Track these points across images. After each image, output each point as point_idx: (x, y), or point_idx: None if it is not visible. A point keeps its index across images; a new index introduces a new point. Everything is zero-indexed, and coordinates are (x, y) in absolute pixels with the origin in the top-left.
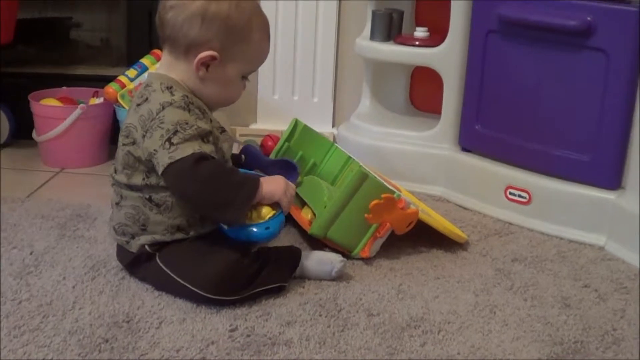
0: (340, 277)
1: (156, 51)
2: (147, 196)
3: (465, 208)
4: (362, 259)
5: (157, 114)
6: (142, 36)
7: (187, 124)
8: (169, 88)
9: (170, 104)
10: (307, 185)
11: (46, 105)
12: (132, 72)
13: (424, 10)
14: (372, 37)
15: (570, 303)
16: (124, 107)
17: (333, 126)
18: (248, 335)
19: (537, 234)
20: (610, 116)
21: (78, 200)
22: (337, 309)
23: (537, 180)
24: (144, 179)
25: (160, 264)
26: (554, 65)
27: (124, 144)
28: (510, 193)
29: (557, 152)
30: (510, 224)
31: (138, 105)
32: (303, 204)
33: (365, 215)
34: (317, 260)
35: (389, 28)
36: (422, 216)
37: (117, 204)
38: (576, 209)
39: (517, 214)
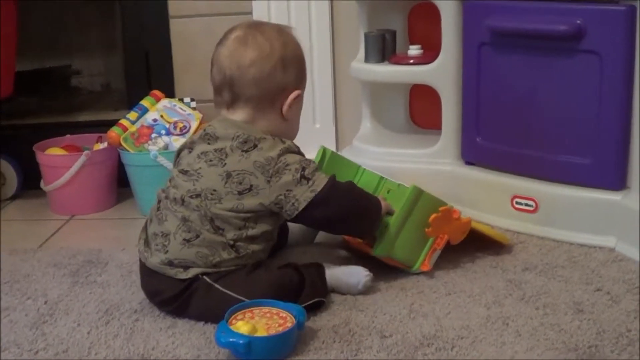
0: (366, 290)
1: (155, 92)
2: (232, 242)
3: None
4: (422, 273)
5: (278, 158)
6: (140, 78)
7: (306, 160)
8: (273, 136)
9: (288, 149)
10: None
11: (51, 154)
12: (133, 115)
13: (416, 28)
14: (367, 59)
15: (583, 308)
16: (127, 150)
17: (337, 150)
18: None
19: (546, 241)
20: (608, 117)
21: (89, 246)
22: (350, 334)
23: (542, 187)
24: (240, 228)
25: (221, 288)
26: (549, 72)
27: (237, 192)
28: (516, 202)
29: (559, 158)
30: (519, 233)
31: (245, 151)
32: None
33: (426, 229)
34: (345, 274)
35: (383, 49)
36: (472, 223)
37: (187, 240)
38: (583, 213)
39: (525, 222)
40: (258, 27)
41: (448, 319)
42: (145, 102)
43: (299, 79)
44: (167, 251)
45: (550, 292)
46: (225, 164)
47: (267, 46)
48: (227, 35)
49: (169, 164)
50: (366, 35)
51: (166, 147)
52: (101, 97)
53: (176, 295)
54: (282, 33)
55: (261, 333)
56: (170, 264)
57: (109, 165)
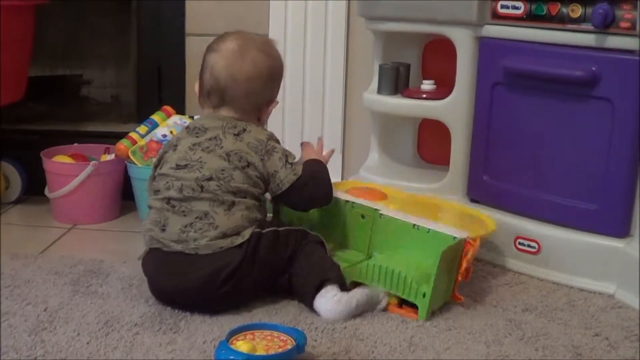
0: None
1: (166, 107)
2: (257, 201)
3: (475, 259)
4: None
5: (266, 142)
6: (151, 92)
7: (287, 150)
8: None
9: (272, 136)
10: (378, 274)
11: (58, 162)
12: (142, 129)
13: (431, 63)
14: (380, 90)
15: (582, 352)
16: (135, 164)
17: (342, 179)
18: None
19: (547, 283)
20: (616, 165)
21: (90, 256)
22: None
23: (546, 230)
24: (260, 189)
25: (282, 228)
26: (560, 116)
27: (241, 167)
28: (519, 243)
29: (565, 202)
30: (521, 273)
31: (236, 134)
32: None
33: (460, 270)
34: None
35: (396, 81)
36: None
37: (228, 209)
38: (585, 258)
39: (527, 263)
40: (249, 41)
41: (447, 354)
42: (156, 117)
43: (278, 89)
44: (217, 226)
45: (550, 334)
46: (223, 146)
47: (260, 63)
48: (220, 44)
49: None
50: (381, 67)
51: None
52: (110, 108)
53: (241, 261)
54: (270, 49)
55: (260, 353)
56: (223, 236)
57: (115, 177)
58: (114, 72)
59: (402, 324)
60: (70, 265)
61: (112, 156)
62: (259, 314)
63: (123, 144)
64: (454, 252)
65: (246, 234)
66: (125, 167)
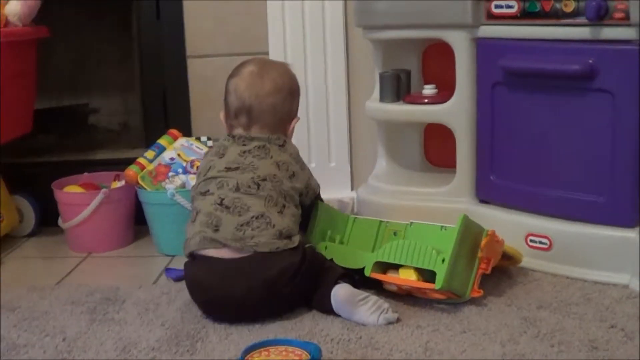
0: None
1: (172, 131)
2: (297, 209)
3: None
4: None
5: (299, 155)
6: (157, 117)
7: None
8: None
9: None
10: (396, 250)
11: (69, 192)
12: (150, 154)
13: (431, 67)
14: (382, 98)
15: (598, 345)
16: (145, 188)
17: (352, 189)
18: None
19: (560, 278)
20: (622, 155)
21: (106, 283)
22: None
23: (556, 225)
24: (296, 205)
25: (317, 251)
26: (562, 111)
27: (288, 177)
28: (530, 240)
29: (573, 196)
30: (534, 270)
31: (280, 145)
32: (385, 269)
33: (479, 255)
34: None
35: (398, 88)
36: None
37: (280, 212)
38: (597, 250)
39: (540, 260)
40: (267, 64)
41: (464, 357)
42: (162, 141)
43: (297, 106)
44: (274, 225)
45: (565, 329)
46: (272, 156)
47: (279, 80)
48: (240, 69)
49: (186, 203)
50: (381, 75)
51: (183, 185)
52: (118, 135)
53: (300, 261)
54: (286, 69)
55: None
56: (279, 235)
57: (127, 203)
58: (120, 99)
59: (416, 330)
60: (87, 294)
61: (122, 183)
62: (273, 330)
63: (132, 169)
64: (476, 237)
65: (295, 240)
66: (136, 192)
